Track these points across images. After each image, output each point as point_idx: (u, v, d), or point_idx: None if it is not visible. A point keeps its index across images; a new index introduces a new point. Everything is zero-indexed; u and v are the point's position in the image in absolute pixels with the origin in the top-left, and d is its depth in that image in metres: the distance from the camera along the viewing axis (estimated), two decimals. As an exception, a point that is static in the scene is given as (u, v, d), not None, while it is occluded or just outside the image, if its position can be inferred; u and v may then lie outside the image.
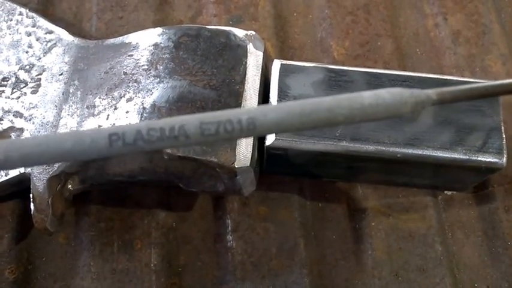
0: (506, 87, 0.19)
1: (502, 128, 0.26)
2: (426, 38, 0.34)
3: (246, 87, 0.26)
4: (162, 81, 0.26)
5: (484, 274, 0.28)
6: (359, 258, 0.28)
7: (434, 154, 0.25)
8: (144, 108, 0.25)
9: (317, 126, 0.16)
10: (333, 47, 0.33)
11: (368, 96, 0.16)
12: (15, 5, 0.31)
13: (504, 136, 0.25)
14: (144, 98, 0.26)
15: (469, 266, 0.28)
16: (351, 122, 0.16)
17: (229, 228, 0.28)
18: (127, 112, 0.25)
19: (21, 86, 0.28)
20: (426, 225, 0.29)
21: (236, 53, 0.27)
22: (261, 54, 0.27)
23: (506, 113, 0.30)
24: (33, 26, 0.30)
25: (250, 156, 0.24)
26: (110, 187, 0.28)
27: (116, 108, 0.26)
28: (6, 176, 0.26)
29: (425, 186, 0.29)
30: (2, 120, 0.27)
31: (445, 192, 0.30)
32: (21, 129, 0.27)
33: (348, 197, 0.30)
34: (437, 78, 0.27)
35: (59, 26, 0.30)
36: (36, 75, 0.28)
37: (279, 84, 0.26)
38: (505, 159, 0.25)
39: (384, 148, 0.25)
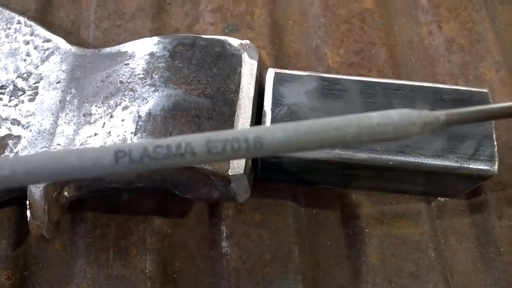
0: None
1: (494, 135, 0.26)
2: (420, 46, 0.34)
3: (240, 95, 0.26)
4: (158, 90, 0.26)
5: (477, 280, 0.28)
6: (353, 264, 0.28)
7: (426, 162, 0.25)
8: (139, 116, 0.26)
9: (324, 146, 0.16)
10: (327, 55, 0.33)
11: (376, 116, 0.16)
12: (13, 13, 0.31)
13: (496, 144, 0.26)
14: (139, 106, 0.26)
15: (462, 272, 0.29)
16: (359, 142, 0.16)
17: (224, 234, 0.29)
18: (123, 120, 0.26)
19: (19, 94, 0.28)
20: (419, 231, 0.29)
21: (231, 62, 0.27)
22: (255, 63, 0.27)
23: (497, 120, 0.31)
24: (31, 35, 0.30)
25: (244, 164, 0.25)
26: (106, 194, 0.29)
27: (111, 117, 0.26)
28: None
29: (418, 193, 0.29)
30: (0, 127, 0.27)
31: (438, 198, 0.30)
32: (19, 137, 0.27)
33: (342, 204, 0.30)
34: (430, 86, 0.27)
35: (57, 34, 0.30)
36: (34, 83, 0.28)
37: (273, 93, 0.27)
38: (496, 167, 0.25)
39: (376, 156, 0.25)
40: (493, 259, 0.29)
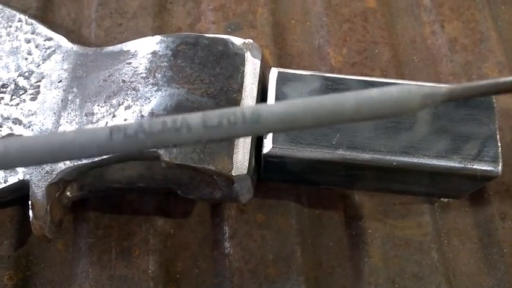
0: None
1: (498, 136, 0.26)
2: (423, 46, 0.34)
3: (243, 95, 0.26)
4: (160, 89, 0.26)
5: (480, 281, 0.28)
6: (355, 265, 0.28)
7: (429, 162, 0.25)
8: (142, 116, 0.25)
9: (323, 122, 0.16)
10: (330, 55, 0.33)
11: (376, 91, 0.16)
12: (14, 11, 0.31)
13: (499, 144, 0.26)
14: (142, 105, 0.26)
15: (465, 273, 0.29)
16: (359, 118, 0.15)
17: (227, 235, 0.28)
18: (125, 120, 0.26)
19: (21, 93, 0.28)
20: (422, 232, 0.29)
21: (234, 61, 0.27)
22: (258, 62, 0.27)
23: (501, 120, 0.31)
24: (33, 33, 0.30)
25: (247, 164, 0.25)
26: (108, 194, 0.28)
27: (114, 116, 0.26)
28: (5, 182, 0.26)
29: (421, 194, 0.29)
30: (1, 127, 0.27)
31: (441, 199, 0.30)
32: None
33: (345, 204, 0.30)
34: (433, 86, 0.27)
35: (58, 33, 0.30)
36: (35, 82, 0.28)
37: (276, 93, 0.26)
38: (500, 168, 0.25)
39: (380, 156, 0.25)
40: (496, 260, 0.29)
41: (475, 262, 0.29)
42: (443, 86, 0.17)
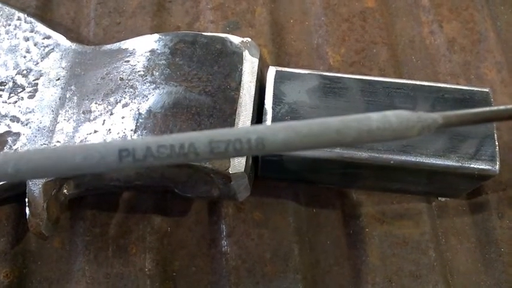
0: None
1: (495, 135, 0.26)
2: (422, 46, 0.34)
3: (241, 93, 0.26)
4: (158, 87, 0.26)
5: (478, 281, 0.28)
6: (353, 264, 0.28)
7: (427, 161, 0.25)
8: (139, 113, 0.25)
9: (325, 147, 0.16)
10: (329, 54, 0.33)
11: (376, 119, 0.16)
12: (13, 9, 0.31)
13: (497, 143, 0.26)
14: (140, 103, 0.26)
15: (462, 273, 0.28)
16: (358, 144, 0.17)
17: (224, 233, 0.28)
18: (123, 117, 0.26)
19: (19, 91, 0.28)
20: (420, 231, 0.29)
21: (232, 60, 0.27)
22: (256, 61, 0.27)
23: (500, 120, 0.31)
24: (31, 31, 0.30)
25: (244, 162, 0.25)
26: (106, 192, 0.28)
27: (111, 114, 0.26)
28: (1, 180, 0.26)
29: (419, 193, 0.29)
30: (-1, 124, 0.27)
31: (439, 198, 0.30)
32: (18, 134, 0.27)
33: (343, 203, 0.30)
34: (431, 85, 0.27)
35: (57, 31, 0.30)
36: (34, 80, 0.28)
37: (274, 91, 0.26)
38: (497, 167, 0.25)
39: (377, 155, 0.25)
40: (494, 259, 0.29)
41: (473, 261, 0.29)
42: (440, 114, 0.17)
